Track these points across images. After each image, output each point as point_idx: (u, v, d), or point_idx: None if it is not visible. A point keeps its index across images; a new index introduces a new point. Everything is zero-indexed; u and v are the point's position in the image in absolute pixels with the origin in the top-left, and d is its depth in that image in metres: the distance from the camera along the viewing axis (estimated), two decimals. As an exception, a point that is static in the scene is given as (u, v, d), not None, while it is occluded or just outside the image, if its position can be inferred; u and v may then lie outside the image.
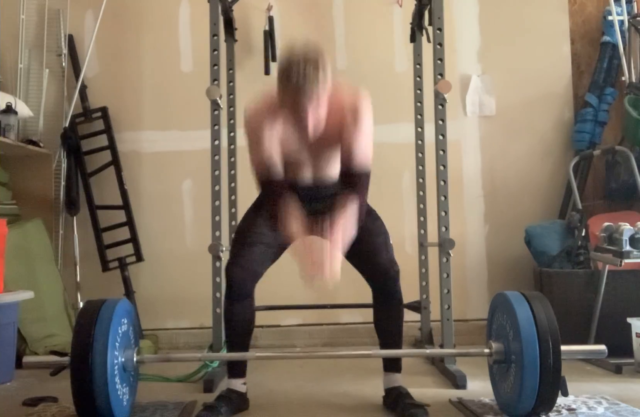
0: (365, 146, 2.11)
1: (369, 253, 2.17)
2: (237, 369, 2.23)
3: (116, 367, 1.92)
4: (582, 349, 2.05)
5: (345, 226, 2.03)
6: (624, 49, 3.43)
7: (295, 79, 1.89)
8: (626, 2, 3.50)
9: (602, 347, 2.00)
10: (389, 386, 2.22)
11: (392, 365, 2.24)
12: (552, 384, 1.87)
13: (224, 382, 2.31)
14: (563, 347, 1.89)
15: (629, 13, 3.50)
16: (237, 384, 2.21)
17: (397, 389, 2.19)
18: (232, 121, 3.25)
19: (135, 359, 2.04)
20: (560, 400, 2.16)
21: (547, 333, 1.88)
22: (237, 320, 2.18)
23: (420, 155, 3.24)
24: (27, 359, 2.07)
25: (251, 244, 2.17)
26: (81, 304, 3.26)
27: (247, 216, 2.29)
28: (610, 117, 3.51)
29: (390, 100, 3.52)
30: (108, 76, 3.58)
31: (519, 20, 3.61)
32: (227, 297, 2.18)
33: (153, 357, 2.33)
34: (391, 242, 2.24)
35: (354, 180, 2.10)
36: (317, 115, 1.97)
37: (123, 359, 1.97)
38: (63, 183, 3.43)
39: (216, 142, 2.80)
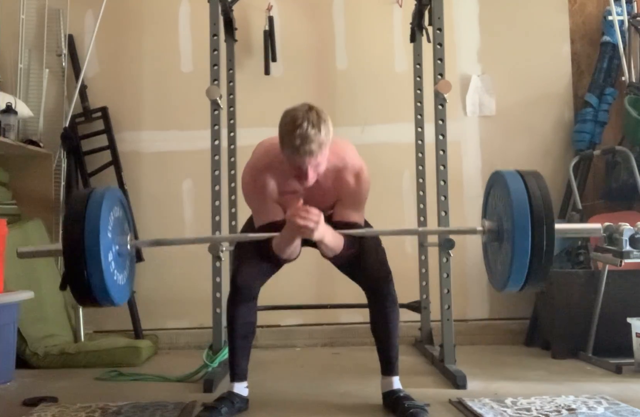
0: (361, 209, 2.18)
1: (360, 255, 2.17)
2: (239, 372, 2.21)
3: (111, 253, 1.89)
4: (576, 228, 2.01)
5: (329, 232, 2.04)
6: (624, 49, 3.43)
7: (298, 141, 1.92)
8: (626, 2, 3.50)
9: (597, 225, 1.98)
10: (386, 390, 2.21)
11: (389, 367, 2.22)
12: (544, 260, 1.82)
13: (224, 382, 2.31)
14: (557, 226, 1.84)
15: (629, 13, 3.50)
16: (240, 388, 2.20)
17: (395, 392, 2.18)
18: (232, 121, 3.25)
19: (129, 244, 2.03)
20: (560, 400, 2.19)
21: (540, 209, 1.83)
22: (240, 323, 2.16)
23: (420, 155, 3.24)
24: (21, 249, 2.02)
25: (263, 245, 2.16)
26: (81, 304, 3.26)
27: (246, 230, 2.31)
28: (610, 117, 3.51)
29: (390, 100, 3.53)
30: (108, 76, 3.58)
31: (519, 20, 3.61)
32: (232, 298, 2.16)
33: (148, 241, 2.26)
34: (383, 246, 2.24)
35: (346, 228, 2.12)
36: (316, 172, 2.02)
37: (117, 246, 1.94)
38: (63, 183, 3.42)
39: (216, 142, 2.80)
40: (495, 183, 2.04)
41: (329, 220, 2.08)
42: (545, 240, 1.81)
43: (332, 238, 2.07)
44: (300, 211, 1.96)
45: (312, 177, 2.01)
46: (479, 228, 2.06)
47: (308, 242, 2.12)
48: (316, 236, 1.99)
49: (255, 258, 2.17)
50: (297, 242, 2.09)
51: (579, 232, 2.04)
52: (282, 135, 1.97)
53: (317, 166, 2.00)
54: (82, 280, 1.82)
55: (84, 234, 1.81)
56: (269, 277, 2.23)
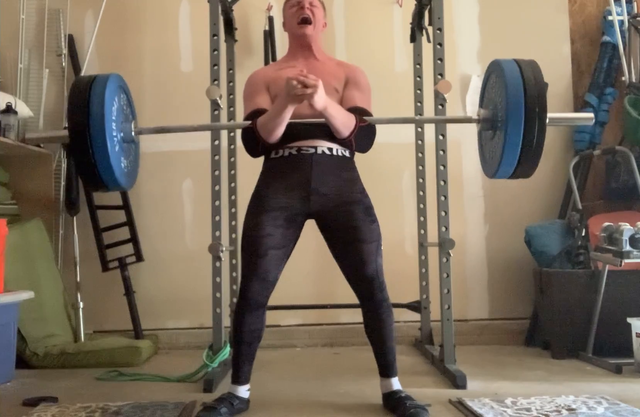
0: (368, 98, 2.26)
1: (357, 261, 2.15)
2: (241, 375, 2.19)
3: (116, 139, 1.95)
4: (568, 116, 2.08)
5: (332, 102, 2.08)
6: (624, 49, 3.43)
7: None
8: (626, 2, 3.50)
9: (590, 114, 2.04)
10: (387, 391, 2.20)
11: (387, 370, 2.21)
12: (534, 148, 1.88)
13: (224, 382, 2.30)
14: (550, 114, 1.89)
15: (629, 13, 3.50)
16: (241, 391, 2.19)
17: (395, 392, 2.18)
18: (232, 121, 3.25)
19: (133, 130, 2.10)
20: (560, 400, 2.20)
21: (534, 97, 1.88)
22: (247, 330, 2.15)
23: (420, 155, 3.25)
24: (29, 135, 2.11)
25: (263, 254, 2.14)
26: (81, 304, 3.26)
27: (249, 212, 2.24)
28: (610, 117, 3.51)
29: (390, 100, 3.52)
30: (108, 76, 3.57)
31: (519, 20, 3.61)
32: (240, 306, 2.14)
33: (151, 128, 2.28)
34: (382, 247, 2.22)
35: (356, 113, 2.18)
36: (313, 13, 2.28)
37: (122, 133, 2.01)
38: (63, 183, 3.42)
39: (216, 142, 2.80)
40: (493, 72, 2.06)
41: None
42: (537, 127, 1.87)
43: (337, 110, 2.08)
44: (299, 76, 1.96)
45: (307, 10, 2.24)
46: (475, 117, 2.11)
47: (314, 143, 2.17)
48: (317, 100, 1.96)
49: (264, 266, 2.13)
50: (286, 115, 2.07)
51: (571, 121, 2.11)
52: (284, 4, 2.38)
53: (313, 4, 2.27)
54: (89, 162, 1.89)
55: (90, 118, 1.87)
56: (280, 271, 2.20)
